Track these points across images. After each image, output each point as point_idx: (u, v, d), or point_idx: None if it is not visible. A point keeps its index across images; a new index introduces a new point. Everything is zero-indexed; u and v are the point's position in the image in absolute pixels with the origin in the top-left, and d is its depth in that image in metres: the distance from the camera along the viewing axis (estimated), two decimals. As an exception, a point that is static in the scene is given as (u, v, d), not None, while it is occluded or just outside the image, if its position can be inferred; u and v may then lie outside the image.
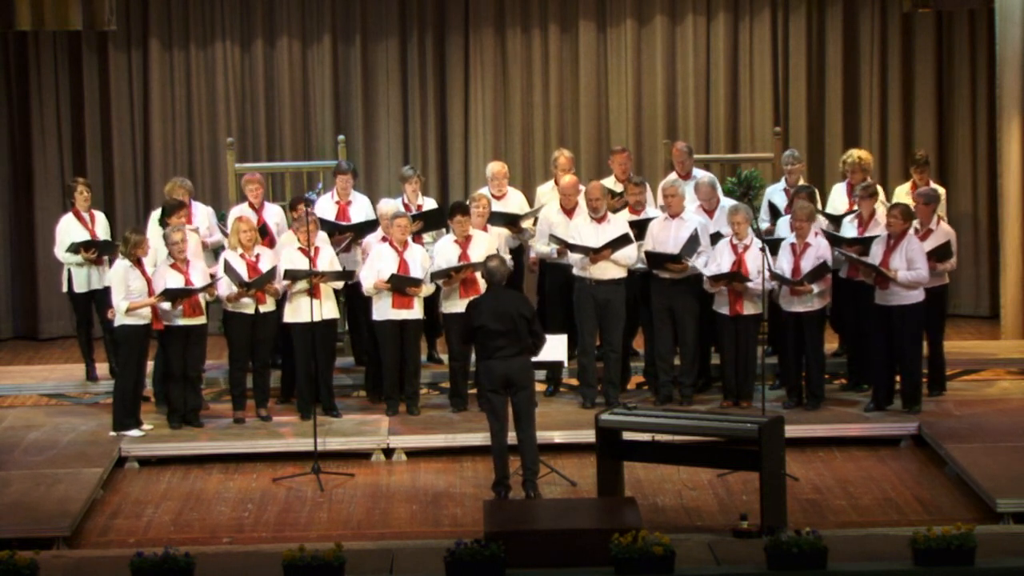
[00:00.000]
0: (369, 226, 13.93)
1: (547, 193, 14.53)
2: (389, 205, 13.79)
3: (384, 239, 13.56)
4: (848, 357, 14.15)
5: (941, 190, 14.64)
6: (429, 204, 14.46)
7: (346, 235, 13.91)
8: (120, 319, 12.94)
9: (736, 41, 17.37)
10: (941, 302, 13.83)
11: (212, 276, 13.23)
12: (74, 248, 13.82)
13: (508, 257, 13.77)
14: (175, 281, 12.99)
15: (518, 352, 11.55)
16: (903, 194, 14.35)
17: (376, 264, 13.37)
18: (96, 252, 13.86)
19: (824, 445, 12.99)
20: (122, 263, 12.98)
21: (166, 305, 12.95)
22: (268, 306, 13.33)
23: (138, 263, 12.97)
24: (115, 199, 17.11)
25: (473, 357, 13.53)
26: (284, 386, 14.00)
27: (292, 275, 13.14)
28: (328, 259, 13.41)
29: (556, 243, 13.61)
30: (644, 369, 14.18)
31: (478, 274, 13.39)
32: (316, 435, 12.46)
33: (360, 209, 14.28)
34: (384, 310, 13.38)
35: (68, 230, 13.97)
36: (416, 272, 13.34)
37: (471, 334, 11.73)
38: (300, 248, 13.14)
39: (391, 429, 13.20)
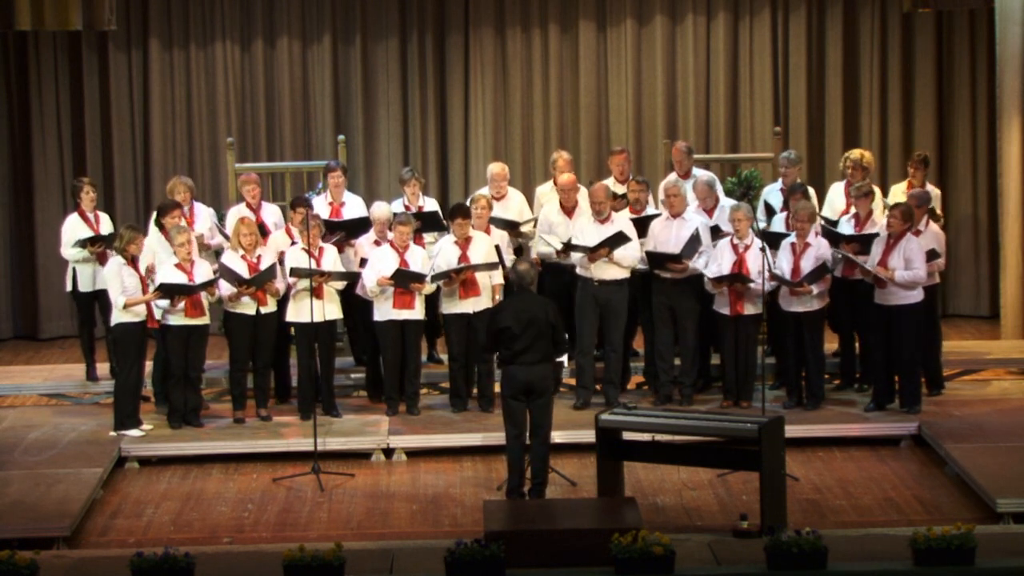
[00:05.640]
0: (361, 224, 13.91)
1: (546, 194, 14.52)
2: (382, 209, 13.76)
3: (377, 243, 13.56)
4: (841, 356, 14.16)
5: (936, 191, 14.65)
6: (430, 205, 14.45)
7: (338, 234, 13.86)
8: (117, 316, 12.94)
9: (736, 41, 17.37)
10: (933, 302, 13.81)
11: (214, 273, 13.23)
12: (80, 243, 13.80)
13: (511, 257, 13.76)
14: (176, 279, 12.97)
15: (540, 359, 11.49)
16: (899, 192, 14.35)
17: (377, 265, 13.38)
18: (103, 246, 13.82)
19: (824, 445, 12.99)
20: (116, 261, 13.00)
21: (164, 302, 12.95)
22: (269, 307, 13.33)
23: (132, 261, 12.96)
24: (115, 199, 17.11)
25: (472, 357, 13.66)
26: (279, 386, 13.99)
27: (298, 274, 13.13)
28: (332, 260, 13.41)
29: (559, 245, 13.58)
30: (644, 369, 14.18)
31: (478, 275, 13.40)
32: (316, 435, 12.47)
33: (353, 210, 14.24)
34: (385, 310, 13.39)
35: (74, 230, 13.93)
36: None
37: (495, 337, 11.63)
38: (304, 248, 13.14)
39: (391, 429, 13.20)
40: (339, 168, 14.39)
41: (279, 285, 13.30)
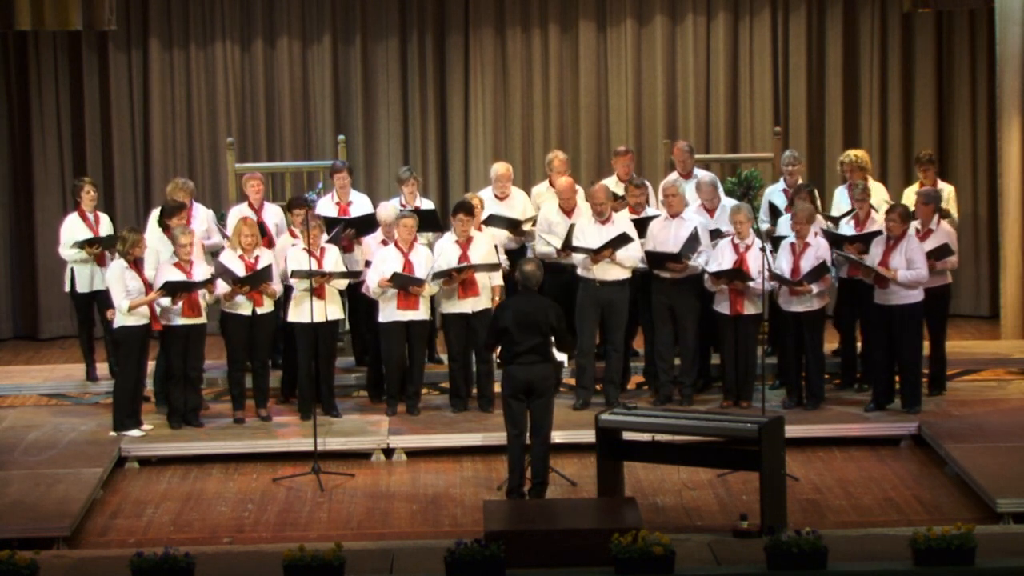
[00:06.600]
0: (367, 220, 13.89)
1: (543, 194, 14.51)
2: (388, 209, 13.77)
3: (384, 242, 13.56)
4: (842, 356, 14.15)
5: (950, 188, 14.64)
6: (427, 206, 14.44)
7: (347, 232, 13.85)
8: (120, 319, 12.93)
9: (736, 41, 17.37)
10: (943, 301, 13.82)
11: (213, 274, 13.23)
12: (79, 245, 13.79)
13: (504, 258, 13.76)
14: (176, 278, 12.97)
15: (541, 359, 11.50)
16: (912, 194, 14.32)
17: (381, 266, 13.38)
18: (100, 247, 13.82)
19: (824, 445, 12.98)
20: (118, 264, 12.98)
21: (166, 301, 12.94)
22: (266, 307, 13.33)
23: (134, 264, 12.96)
24: (115, 199, 17.11)
25: (474, 358, 13.66)
26: (284, 385, 14.01)
27: (299, 275, 13.13)
28: (334, 260, 13.41)
29: (561, 246, 13.57)
30: (644, 369, 14.18)
31: (477, 275, 13.40)
32: (316, 435, 12.47)
33: (361, 209, 14.24)
34: (390, 312, 13.38)
35: (72, 230, 13.92)
36: (421, 273, 13.34)
37: (497, 336, 11.65)
38: (305, 249, 13.14)
39: (391, 429, 13.20)
40: (345, 168, 14.38)
41: (276, 286, 13.30)
